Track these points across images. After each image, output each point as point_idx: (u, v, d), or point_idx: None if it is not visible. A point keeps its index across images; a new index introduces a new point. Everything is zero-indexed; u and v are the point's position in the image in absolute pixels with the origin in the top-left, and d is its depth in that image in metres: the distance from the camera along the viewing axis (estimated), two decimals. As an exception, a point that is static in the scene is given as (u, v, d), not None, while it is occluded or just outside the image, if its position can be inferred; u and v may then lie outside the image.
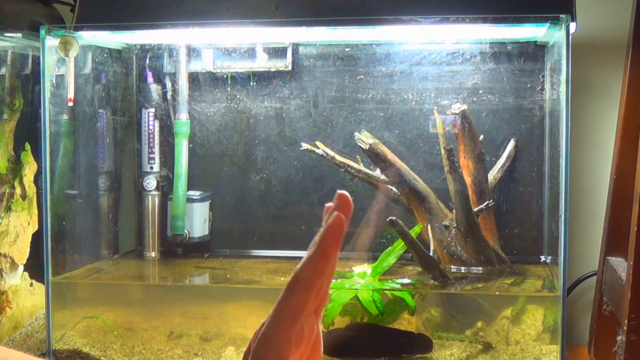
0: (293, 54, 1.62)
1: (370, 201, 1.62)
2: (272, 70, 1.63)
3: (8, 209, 1.45)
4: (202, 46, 1.63)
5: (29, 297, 1.50)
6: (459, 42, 1.56)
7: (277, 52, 1.62)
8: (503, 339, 1.37)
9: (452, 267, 1.49)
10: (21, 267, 1.48)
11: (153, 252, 1.67)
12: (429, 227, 1.50)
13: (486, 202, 1.48)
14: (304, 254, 0.73)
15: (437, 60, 1.57)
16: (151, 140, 1.66)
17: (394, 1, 1.37)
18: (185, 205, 1.64)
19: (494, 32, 1.49)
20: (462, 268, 1.49)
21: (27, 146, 1.49)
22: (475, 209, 1.47)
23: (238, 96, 1.66)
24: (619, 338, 1.26)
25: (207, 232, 1.68)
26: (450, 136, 1.49)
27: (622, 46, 1.48)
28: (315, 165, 1.64)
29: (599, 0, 1.62)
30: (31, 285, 1.51)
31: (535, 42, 1.54)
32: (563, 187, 1.27)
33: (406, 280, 1.44)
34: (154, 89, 1.65)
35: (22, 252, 1.47)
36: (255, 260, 1.66)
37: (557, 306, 1.30)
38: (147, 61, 1.66)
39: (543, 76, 1.55)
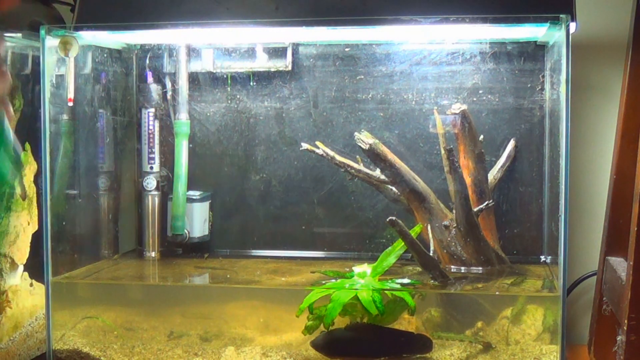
0: (293, 54, 1.62)
1: (370, 201, 1.62)
2: (272, 70, 1.63)
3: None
4: (202, 46, 1.63)
5: (29, 297, 1.50)
6: (459, 42, 1.56)
7: (277, 52, 1.62)
8: (503, 339, 1.37)
9: (452, 267, 1.49)
10: (21, 267, 1.48)
11: (153, 252, 1.67)
12: (429, 227, 1.50)
13: (486, 202, 1.48)
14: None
15: (437, 60, 1.57)
16: (151, 140, 1.66)
17: (394, 1, 1.37)
18: (185, 205, 1.64)
19: (494, 32, 1.49)
20: (462, 268, 1.49)
21: (27, 146, 1.49)
22: (475, 209, 1.47)
23: (238, 96, 1.66)
24: (619, 338, 1.26)
25: (207, 232, 1.68)
26: (450, 136, 1.49)
27: (622, 46, 1.48)
28: (315, 165, 1.64)
29: (599, 0, 1.62)
30: (31, 285, 1.51)
31: (535, 42, 1.54)
32: (563, 187, 1.27)
33: (406, 280, 1.44)
34: (154, 89, 1.65)
35: (22, 252, 1.47)
36: (255, 260, 1.66)
37: (557, 306, 1.30)
38: (147, 61, 1.66)
39: (543, 76, 1.55)
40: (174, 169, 1.64)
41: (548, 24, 1.31)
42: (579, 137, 1.64)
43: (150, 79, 1.65)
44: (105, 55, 1.61)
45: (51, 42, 1.42)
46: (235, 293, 1.47)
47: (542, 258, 1.58)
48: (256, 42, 1.61)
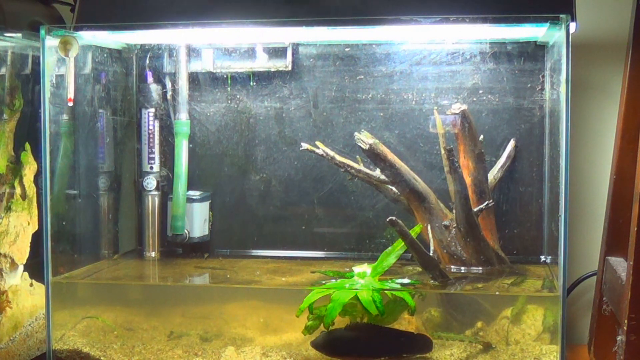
0: (293, 54, 1.62)
1: (370, 201, 1.62)
2: (272, 70, 1.63)
3: (8, 209, 1.45)
4: (202, 46, 1.63)
5: (29, 297, 1.50)
6: (459, 42, 1.56)
7: (277, 52, 1.62)
8: (503, 339, 1.37)
9: (452, 267, 1.49)
10: (21, 267, 1.48)
11: (153, 252, 1.67)
12: (429, 227, 1.50)
13: (486, 202, 1.48)
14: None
15: (437, 60, 1.57)
16: (151, 140, 1.66)
17: (394, 1, 1.37)
18: (185, 205, 1.64)
19: (494, 32, 1.49)
20: (462, 268, 1.49)
21: (27, 146, 1.49)
22: (475, 209, 1.47)
23: (238, 96, 1.66)
24: (619, 338, 1.26)
25: (207, 232, 1.68)
26: (450, 136, 1.49)
27: (622, 46, 1.48)
28: (315, 165, 1.64)
29: (599, 0, 1.62)
30: (31, 285, 1.51)
31: (535, 42, 1.54)
32: (563, 187, 1.27)
33: (406, 280, 1.44)
34: (154, 89, 1.65)
35: (22, 252, 1.47)
36: (255, 260, 1.66)
37: (557, 306, 1.30)
38: (147, 61, 1.66)
39: (543, 76, 1.55)
40: (174, 169, 1.64)
41: (548, 24, 1.31)
42: (579, 137, 1.64)
43: (150, 79, 1.65)
44: (105, 55, 1.61)
45: (51, 42, 1.42)
46: (235, 293, 1.47)
47: (542, 258, 1.58)
48: (256, 42, 1.61)
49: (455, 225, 1.48)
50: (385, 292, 1.37)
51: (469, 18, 1.32)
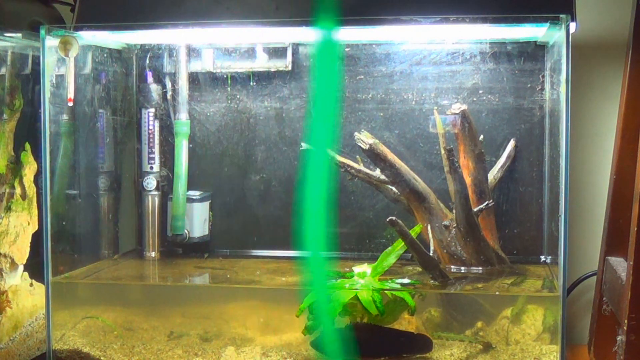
0: (293, 54, 1.62)
1: (370, 201, 1.62)
2: (272, 70, 1.63)
3: (8, 209, 1.45)
4: (202, 46, 1.63)
5: (29, 297, 1.50)
6: (459, 42, 1.56)
7: (277, 52, 1.62)
8: (503, 339, 1.37)
9: (452, 267, 1.49)
10: (21, 267, 1.48)
11: (153, 252, 1.67)
12: (429, 227, 1.50)
13: (486, 202, 1.48)
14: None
15: (437, 60, 1.57)
16: (151, 140, 1.66)
17: (394, 1, 1.37)
18: (185, 205, 1.64)
19: (494, 32, 1.49)
20: (462, 268, 1.49)
21: (27, 146, 1.49)
22: (475, 209, 1.47)
23: (238, 96, 1.66)
24: (619, 338, 1.26)
25: (207, 232, 1.68)
26: (450, 136, 1.49)
27: (622, 46, 1.48)
28: (315, 165, 1.64)
29: (599, 0, 1.62)
30: (31, 285, 1.51)
31: (535, 42, 1.54)
32: (563, 187, 1.27)
33: (406, 280, 1.44)
34: (154, 89, 1.65)
35: (22, 252, 1.47)
36: (255, 260, 1.66)
37: (557, 306, 1.30)
38: (147, 61, 1.66)
39: (543, 76, 1.55)
40: (174, 169, 1.64)
41: (548, 24, 1.31)
42: (579, 137, 1.64)
43: (150, 79, 1.65)
44: (105, 55, 1.61)
45: (51, 42, 1.42)
46: (235, 293, 1.47)
47: (542, 258, 1.58)
48: (256, 42, 1.61)
49: (455, 225, 1.48)
50: (385, 292, 1.37)
51: (469, 18, 1.32)
